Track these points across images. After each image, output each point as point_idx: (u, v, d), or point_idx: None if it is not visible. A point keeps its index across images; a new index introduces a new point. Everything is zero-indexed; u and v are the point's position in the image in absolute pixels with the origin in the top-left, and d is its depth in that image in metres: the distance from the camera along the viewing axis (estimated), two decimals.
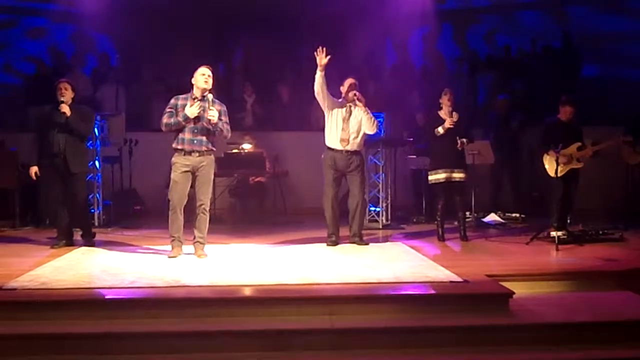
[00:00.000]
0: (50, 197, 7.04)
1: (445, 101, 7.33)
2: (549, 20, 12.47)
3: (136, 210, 9.78)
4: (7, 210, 8.67)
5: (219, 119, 6.32)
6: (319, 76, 6.89)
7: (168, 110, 6.38)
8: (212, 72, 6.38)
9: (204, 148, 6.34)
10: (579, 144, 7.43)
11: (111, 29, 11.46)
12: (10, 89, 11.76)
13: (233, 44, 12.19)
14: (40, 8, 11.87)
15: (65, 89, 6.92)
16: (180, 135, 6.35)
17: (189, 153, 6.33)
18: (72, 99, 6.98)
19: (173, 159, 6.39)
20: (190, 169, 6.35)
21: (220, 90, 11.22)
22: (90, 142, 8.71)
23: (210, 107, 6.25)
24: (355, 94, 6.95)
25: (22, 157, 8.84)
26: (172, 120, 6.31)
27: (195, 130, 6.32)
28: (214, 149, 6.48)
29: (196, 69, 6.41)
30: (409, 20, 11.64)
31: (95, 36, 12.05)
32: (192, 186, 6.48)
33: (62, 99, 6.87)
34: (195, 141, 6.32)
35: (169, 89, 10.22)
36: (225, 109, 6.46)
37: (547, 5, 12.60)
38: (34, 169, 6.96)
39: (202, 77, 6.31)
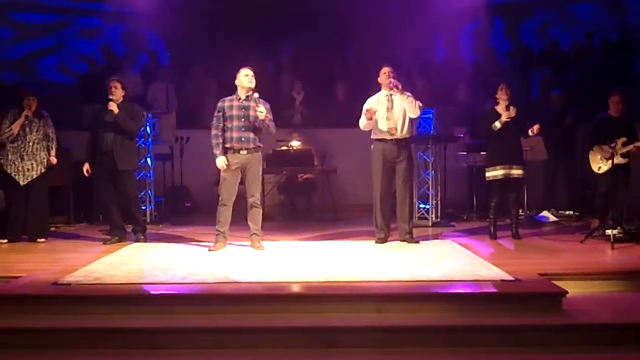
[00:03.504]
0: (102, 194, 7.19)
1: (501, 95, 7.20)
2: (604, 13, 12.14)
3: (187, 207, 9.90)
4: (62, 207, 8.87)
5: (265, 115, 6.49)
6: (367, 123, 6.92)
7: (216, 114, 6.63)
8: (255, 71, 6.58)
9: (251, 145, 6.55)
10: (624, 139, 7.24)
11: (161, 27, 11.62)
12: (65, 88, 12.05)
13: (282, 42, 12.23)
14: (94, 8, 12.12)
15: (115, 88, 7.06)
16: (229, 135, 6.54)
17: (238, 151, 6.53)
18: (123, 96, 7.12)
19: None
20: (239, 166, 6.55)
21: (269, 87, 11.30)
22: (142, 139, 8.86)
23: (258, 105, 6.42)
24: (390, 82, 6.87)
25: (76, 155, 9.05)
26: (214, 142, 6.57)
27: (243, 129, 6.52)
28: (261, 145, 6.68)
29: (239, 68, 6.58)
30: (459, 15, 11.50)
31: (146, 35, 12.24)
32: (242, 182, 6.62)
33: (111, 97, 7.01)
34: (243, 139, 6.52)
35: (220, 86, 10.33)
36: (269, 106, 6.63)
37: None
38: (86, 166, 7.15)
39: (246, 78, 6.54)
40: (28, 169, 7.31)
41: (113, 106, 6.97)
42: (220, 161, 6.55)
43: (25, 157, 7.30)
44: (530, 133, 7.12)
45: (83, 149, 7.44)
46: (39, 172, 7.35)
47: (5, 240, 7.30)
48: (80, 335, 4.50)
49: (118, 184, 7.13)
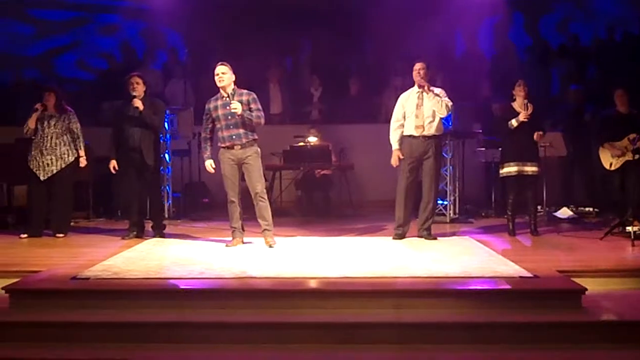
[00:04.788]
0: (125, 189, 7.22)
1: (518, 92, 7.16)
2: (625, 5, 11.99)
3: (205, 203, 9.93)
4: (82, 202, 8.95)
5: (249, 108, 6.47)
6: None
7: (204, 117, 6.67)
8: (230, 66, 6.54)
9: (244, 140, 6.50)
10: (634, 135, 7.21)
11: (180, 24, 11.68)
12: (84, 84, 12.13)
13: (300, 38, 12.22)
14: (113, 5, 12.21)
15: (137, 83, 7.07)
16: (220, 134, 6.57)
17: (232, 147, 6.51)
18: (144, 92, 7.14)
19: (219, 155, 6.60)
20: (235, 162, 6.53)
21: (288, 84, 11.31)
22: (160, 135, 8.90)
23: (231, 101, 6.41)
24: (419, 81, 6.85)
25: (96, 151, 9.11)
26: (202, 145, 6.76)
27: (231, 126, 6.49)
28: (256, 137, 6.59)
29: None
30: (479, 9, 11.43)
31: (164, 32, 12.29)
32: (243, 179, 6.60)
33: (134, 93, 7.03)
34: (234, 136, 6.50)
35: (237, 83, 10.32)
36: (254, 96, 6.58)
37: None
38: (113, 163, 7.17)
39: (216, 77, 6.52)
40: (48, 164, 7.35)
41: (138, 103, 6.99)
42: (207, 165, 6.67)
43: (45, 152, 7.34)
44: (535, 137, 7.08)
45: (102, 146, 7.48)
46: (58, 167, 7.38)
47: (26, 235, 7.37)
48: (98, 329, 4.53)
49: (146, 179, 7.19)
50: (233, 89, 6.54)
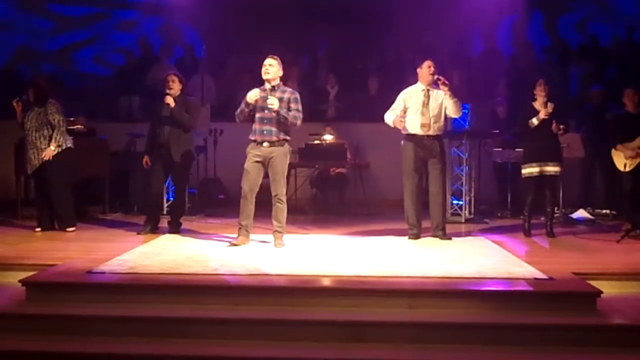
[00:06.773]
0: (153, 184, 7.25)
1: (539, 92, 7.12)
2: None
3: (220, 199, 9.95)
4: (98, 197, 9.00)
5: (288, 106, 6.35)
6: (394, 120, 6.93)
7: (242, 102, 6.51)
8: (280, 61, 6.40)
9: (274, 138, 6.37)
10: None
11: (197, 20, 11.71)
12: (102, 79, 12.20)
13: (317, 35, 12.21)
14: (131, 1, 12.26)
15: (173, 82, 7.14)
16: (253, 126, 6.45)
17: (260, 143, 6.40)
18: (181, 90, 7.19)
19: (247, 148, 6.49)
20: (261, 159, 6.41)
21: (304, 81, 11.31)
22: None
23: (269, 96, 6.29)
24: (439, 79, 6.80)
25: (113, 146, 9.17)
26: (237, 110, 6.44)
27: (265, 121, 6.38)
28: (288, 138, 6.47)
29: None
30: (497, 8, 11.37)
31: (182, 28, 12.34)
32: (267, 176, 6.55)
33: (168, 91, 7.09)
34: (265, 131, 6.37)
35: (254, 80, 10.34)
36: (296, 96, 6.45)
37: None
38: (145, 158, 7.26)
39: (263, 69, 6.38)
40: (31, 159, 7.27)
41: (169, 100, 7.04)
42: (253, 92, 6.29)
43: (28, 147, 7.28)
44: (553, 128, 7.02)
45: (119, 141, 7.50)
46: (41, 161, 7.24)
47: (39, 229, 7.40)
48: (113, 323, 4.57)
49: (172, 175, 7.29)
50: (277, 85, 6.43)
